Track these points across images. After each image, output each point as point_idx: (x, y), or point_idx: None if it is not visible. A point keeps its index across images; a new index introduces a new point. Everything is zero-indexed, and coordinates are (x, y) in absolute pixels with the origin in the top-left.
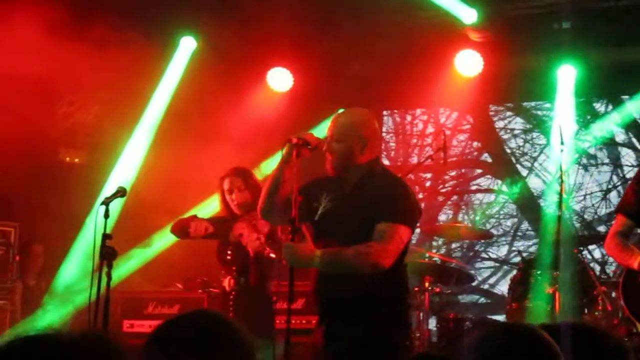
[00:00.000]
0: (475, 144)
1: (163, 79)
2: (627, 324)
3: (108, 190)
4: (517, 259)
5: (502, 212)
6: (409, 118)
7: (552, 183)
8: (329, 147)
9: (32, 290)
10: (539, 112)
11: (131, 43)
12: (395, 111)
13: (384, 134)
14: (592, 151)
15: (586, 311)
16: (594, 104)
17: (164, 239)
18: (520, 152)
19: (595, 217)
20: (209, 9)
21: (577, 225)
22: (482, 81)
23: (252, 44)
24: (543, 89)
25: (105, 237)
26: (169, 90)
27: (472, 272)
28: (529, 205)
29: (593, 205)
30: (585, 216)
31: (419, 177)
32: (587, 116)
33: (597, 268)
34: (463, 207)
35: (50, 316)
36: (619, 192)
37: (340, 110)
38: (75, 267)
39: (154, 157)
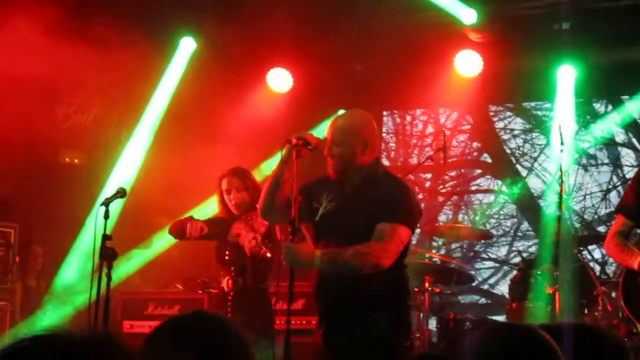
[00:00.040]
0: (475, 144)
1: (163, 79)
2: (627, 324)
3: (108, 191)
4: (517, 259)
5: (502, 212)
6: (408, 118)
7: (552, 183)
8: (330, 151)
9: (32, 291)
10: (539, 113)
11: (131, 44)
12: (395, 111)
13: (383, 135)
14: (592, 151)
15: (586, 311)
16: (594, 104)
17: (164, 240)
18: (520, 152)
19: (595, 217)
20: (209, 10)
21: (577, 225)
22: (482, 81)
23: (252, 44)
24: (543, 89)
25: (105, 237)
26: (168, 91)
27: (472, 272)
28: (529, 206)
29: (593, 205)
30: (585, 216)
31: (419, 178)
32: (587, 116)
33: (597, 268)
34: (463, 207)
35: (50, 317)
36: (619, 192)
37: (339, 113)
38: (75, 268)
39: (154, 158)
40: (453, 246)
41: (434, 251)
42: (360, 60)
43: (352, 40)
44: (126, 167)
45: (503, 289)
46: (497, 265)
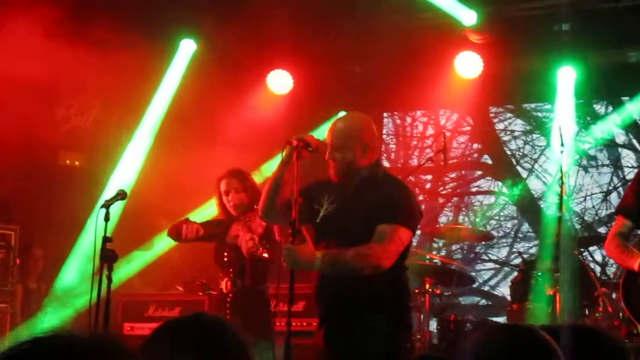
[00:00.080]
0: (475, 145)
1: (163, 81)
2: (628, 325)
3: (108, 193)
4: (518, 261)
5: (502, 213)
6: (409, 120)
7: (552, 184)
8: (331, 155)
9: (33, 293)
10: (539, 114)
11: (131, 46)
12: (396, 113)
13: (384, 136)
14: (592, 152)
15: (587, 312)
16: (594, 106)
17: (164, 242)
18: (520, 153)
19: (596, 218)
20: (209, 12)
21: (578, 226)
22: (482, 83)
23: (252, 46)
24: (543, 91)
25: (106, 239)
26: (169, 93)
27: (473, 273)
28: (529, 207)
29: (593, 206)
30: (586, 217)
31: (420, 179)
32: (587, 117)
33: (598, 269)
34: (463, 209)
35: (51, 319)
36: (619, 193)
37: (339, 116)
38: (75, 270)
39: (154, 160)
40: (454, 247)
41: (434, 252)
42: (360, 62)
43: (352, 41)
44: (126, 169)
45: (504, 290)
46: (497, 266)
